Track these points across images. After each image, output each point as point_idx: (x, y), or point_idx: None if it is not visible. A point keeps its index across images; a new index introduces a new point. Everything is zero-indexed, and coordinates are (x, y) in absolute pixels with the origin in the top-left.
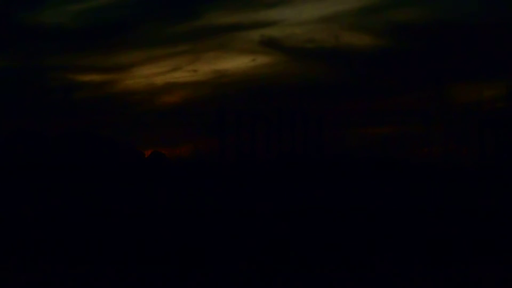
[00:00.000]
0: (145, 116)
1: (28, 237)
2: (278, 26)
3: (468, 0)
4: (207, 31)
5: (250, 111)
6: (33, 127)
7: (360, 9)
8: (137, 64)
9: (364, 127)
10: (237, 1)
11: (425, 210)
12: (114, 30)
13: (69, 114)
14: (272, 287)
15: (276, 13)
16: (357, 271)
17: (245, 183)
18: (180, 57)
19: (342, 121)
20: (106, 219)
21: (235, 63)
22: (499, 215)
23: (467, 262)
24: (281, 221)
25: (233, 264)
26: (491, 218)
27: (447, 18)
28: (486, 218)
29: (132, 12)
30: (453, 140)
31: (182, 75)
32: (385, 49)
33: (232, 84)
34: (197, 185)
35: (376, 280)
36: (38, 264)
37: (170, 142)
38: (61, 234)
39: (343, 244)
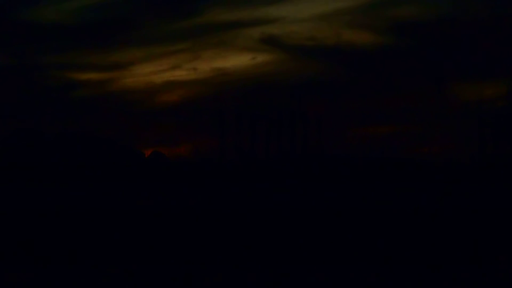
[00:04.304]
0: (145, 115)
1: (28, 237)
2: (279, 23)
3: None
4: (207, 28)
5: (250, 109)
6: (32, 126)
7: (361, 6)
8: (136, 63)
9: (365, 126)
10: None
11: (425, 209)
12: (112, 28)
13: (68, 113)
14: (272, 286)
15: (276, 10)
16: (357, 270)
17: (245, 183)
18: (179, 55)
19: (342, 120)
20: (106, 219)
21: (235, 61)
22: (499, 214)
23: (467, 262)
24: (281, 221)
25: (233, 264)
26: (491, 217)
27: (448, 15)
28: (486, 217)
29: (131, 9)
30: (454, 139)
31: (182, 74)
32: (386, 47)
33: (232, 82)
34: (197, 185)
35: (376, 280)
36: (38, 264)
37: (170, 142)
38: (60, 234)
39: (343, 244)
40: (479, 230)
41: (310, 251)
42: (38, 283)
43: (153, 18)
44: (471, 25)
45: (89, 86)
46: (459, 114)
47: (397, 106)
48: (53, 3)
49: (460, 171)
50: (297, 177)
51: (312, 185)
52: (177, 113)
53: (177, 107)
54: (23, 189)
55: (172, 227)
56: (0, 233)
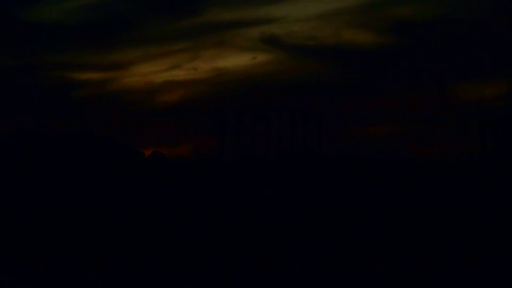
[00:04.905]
0: (145, 115)
1: (28, 237)
2: (279, 23)
3: None
4: (207, 28)
5: (250, 109)
6: (32, 127)
7: (361, 6)
8: (136, 62)
9: (365, 126)
10: None
11: (425, 209)
12: (112, 27)
13: (68, 113)
14: (271, 286)
15: (276, 10)
16: (356, 270)
17: (245, 183)
18: (179, 55)
19: (342, 120)
20: (106, 218)
21: (235, 60)
22: (499, 214)
23: (467, 262)
24: (281, 221)
25: (233, 263)
26: (491, 217)
27: (449, 15)
28: (486, 217)
29: (131, 9)
30: (454, 139)
31: (182, 73)
32: (386, 47)
33: (232, 82)
34: (197, 185)
35: (376, 280)
36: (38, 264)
37: (170, 142)
38: (61, 233)
39: (342, 244)
40: (479, 230)
41: (310, 250)
42: (38, 283)
43: (153, 18)
44: (471, 25)
45: (89, 86)
46: (459, 114)
47: (397, 106)
48: (53, 2)
49: (460, 171)
50: (297, 177)
51: (312, 184)
52: (177, 113)
53: (177, 107)
54: (24, 189)
55: (172, 227)
56: (0, 233)
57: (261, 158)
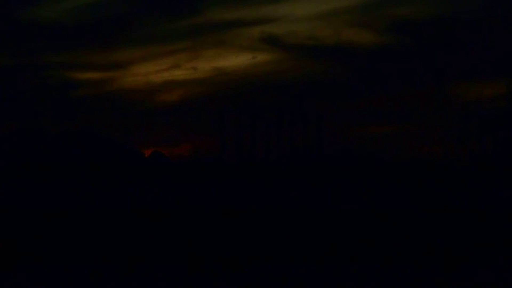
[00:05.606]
0: (145, 115)
1: (28, 237)
2: (279, 22)
3: None
4: (207, 27)
5: (250, 109)
6: (32, 126)
7: (361, 5)
8: (135, 62)
9: (365, 126)
10: None
11: (425, 210)
12: (112, 27)
13: (68, 112)
14: (272, 286)
15: (276, 9)
16: (356, 270)
17: (245, 183)
18: (179, 55)
19: (342, 119)
20: (106, 218)
21: (235, 60)
22: (499, 214)
23: (466, 262)
24: (281, 221)
25: (233, 263)
26: (491, 218)
27: (449, 15)
28: (486, 218)
29: (131, 8)
30: (454, 139)
31: (182, 73)
32: (386, 47)
33: (232, 82)
34: (197, 185)
35: (376, 280)
36: (38, 263)
37: (170, 142)
38: (60, 233)
39: (342, 244)
40: (479, 230)
41: (310, 250)
42: (37, 283)
43: (153, 17)
44: (471, 24)
45: (89, 85)
46: (459, 114)
47: (397, 106)
48: (53, 2)
49: (460, 171)
50: (297, 176)
51: (312, 184)
52: (177, 113)
53: (177, 107)
54: (23, 188)
55: (172, 227)
56: (0, 232)
57: (261, 158)
